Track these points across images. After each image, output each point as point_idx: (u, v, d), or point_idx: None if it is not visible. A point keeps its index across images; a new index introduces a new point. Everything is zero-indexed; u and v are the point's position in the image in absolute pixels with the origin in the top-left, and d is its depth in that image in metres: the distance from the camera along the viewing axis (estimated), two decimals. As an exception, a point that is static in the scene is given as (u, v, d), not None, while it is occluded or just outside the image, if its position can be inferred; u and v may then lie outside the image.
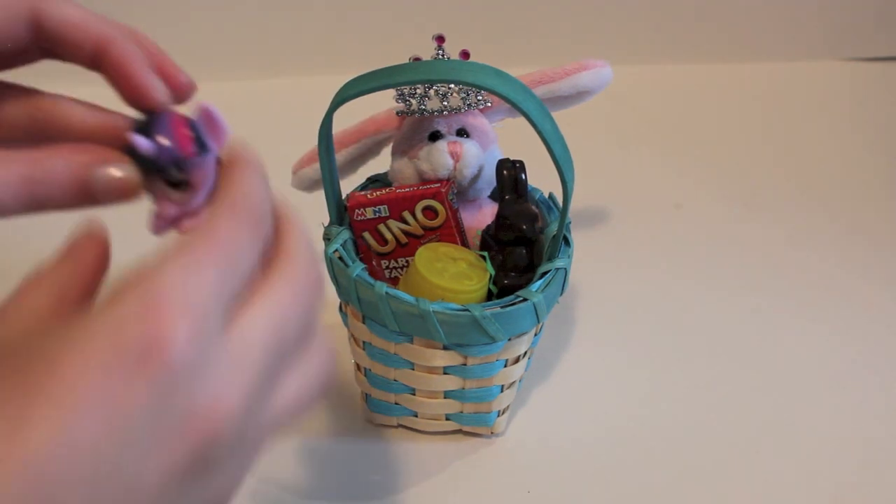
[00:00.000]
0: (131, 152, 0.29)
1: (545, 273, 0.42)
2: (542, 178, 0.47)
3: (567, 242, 0.44)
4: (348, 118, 0.51)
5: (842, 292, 0.60)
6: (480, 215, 0.48)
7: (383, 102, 0.49)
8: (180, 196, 0.29)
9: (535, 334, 0.45)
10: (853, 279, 0.61)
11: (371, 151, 0.53)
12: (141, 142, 0.28)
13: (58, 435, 0.21)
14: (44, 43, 0.31)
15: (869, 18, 0.86)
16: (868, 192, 0.72)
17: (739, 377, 0.53)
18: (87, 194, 0.29)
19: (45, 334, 0.23)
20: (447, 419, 0.47)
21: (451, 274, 0.42)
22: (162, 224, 0.30)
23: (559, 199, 0.47)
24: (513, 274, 0.43)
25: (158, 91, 0.29)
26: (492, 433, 0.48)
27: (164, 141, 0.29)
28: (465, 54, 0.46)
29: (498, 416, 0.46)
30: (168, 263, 0.23)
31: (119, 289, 0.23)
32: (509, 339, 0.42)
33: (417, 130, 0.47)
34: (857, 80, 0.86)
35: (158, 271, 0.23)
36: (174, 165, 0.29)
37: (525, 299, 0.40)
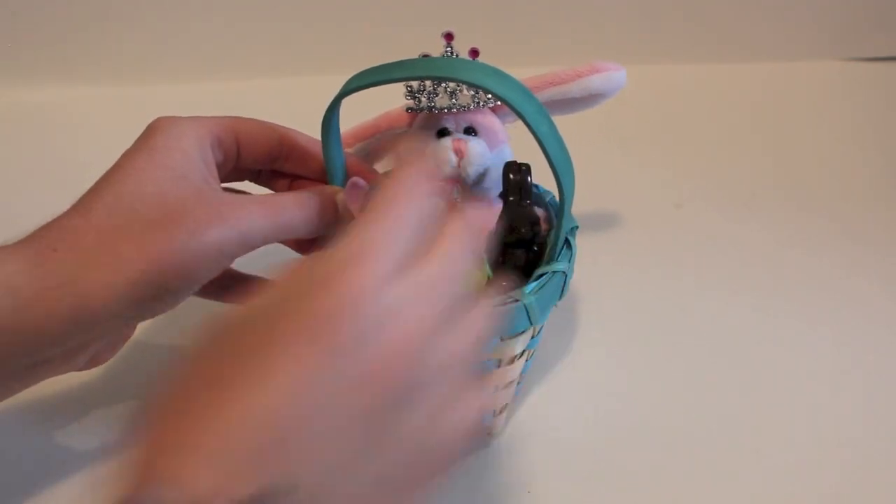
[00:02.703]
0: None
1: (541, 276, 0.42)
2: (551, 180, 0.46)
3: (569, 246, 0.44)
4: (360, 114, 0.51)
5: (842, 293, 0.60)
6: (490, 216, 0.48)
7: (397, 99, 0.49)
8: None
9: (533, 336, 0.45)
10: (854, 280, 0.61)
11: None
12: None
13: (271, 402, 0.26)
14: (288, 155, 0.46)
15: (869, 18, 0.85)
16: (868, 192, 0.72)
17: (740, 377, 0.53)
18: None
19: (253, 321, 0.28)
20: None
21: None
22: None
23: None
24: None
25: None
26: (489, 434, 0.48)
27: None
28: (475, 52, 0.46)
29: (494, 416, 0.46)
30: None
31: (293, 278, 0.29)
32: (501, 340, 0.42)
33: (426, 127, 0.47)
34: (857, 80, 0.86)
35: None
36: None
37: (516, 300, 0.40)
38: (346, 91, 0.40)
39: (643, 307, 0.58)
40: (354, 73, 0.40)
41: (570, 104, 0.51)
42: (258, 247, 0.41)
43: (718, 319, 0.57)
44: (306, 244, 0.48)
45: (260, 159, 0.45)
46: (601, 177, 0.70)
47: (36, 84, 0.79)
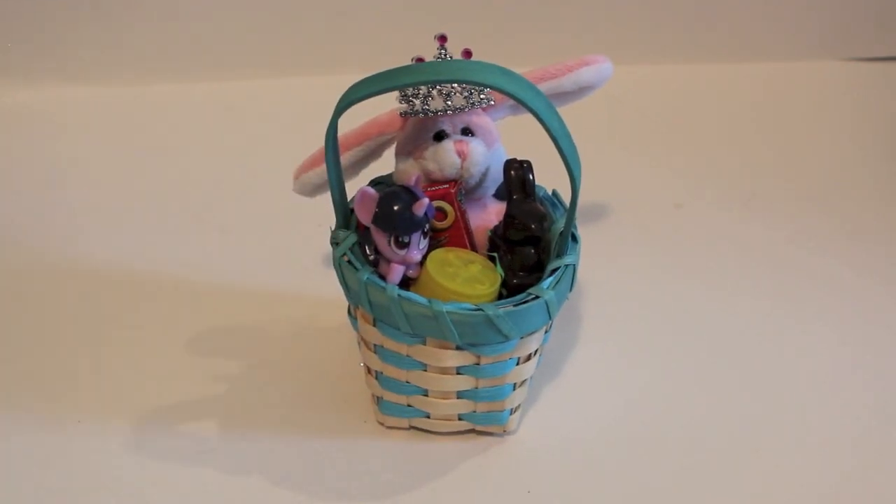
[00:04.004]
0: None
1: (555, 270, 0.42)
2: (542, 175, 0.47)
3: (574, 239, 0.44)
4: (351, 120, 0.51)
5: (842, 292, 0.60)
6: (486, 214, 0.48)
7: (385, 104, 0.49)
8: (404, 251, 0.41)
9: (546, 331, 0.45)
10: (853, 278, 0.61)
11: (374, 154, 0.53)
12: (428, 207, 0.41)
13: None
14: None
15: (869, 18, 0.85)
16: (867, 191, 0.72)
17: (740, 375, 0.53)
18: None
19: None
20: (460, 419, 0.47)
21: (463, 278, 0.42)
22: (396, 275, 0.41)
23: (563, 196, 0.47)
24: (521, 273, 0.44)
25: None
26: (504, 431, 0.48)
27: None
28: (468, 53, 0.46)
29: (510, 414, 0.46)
30: None
31: None
32: (521, 338, 0.42)
33: (422, 131, 0.47)
34: (857, 80, 0.86)
35: None
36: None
37: (537, 297, 0.40)
38: (352, 101, 0.39)
39: (642, 306, 0.58)
40: (352, 74, 0.40)
41: (561, 97, 0.53)
42: None
43: (718, 318, 0.57)
44: None
45: None
46: (601, 176, 0.70)
47: (36, 84, 0.79)
